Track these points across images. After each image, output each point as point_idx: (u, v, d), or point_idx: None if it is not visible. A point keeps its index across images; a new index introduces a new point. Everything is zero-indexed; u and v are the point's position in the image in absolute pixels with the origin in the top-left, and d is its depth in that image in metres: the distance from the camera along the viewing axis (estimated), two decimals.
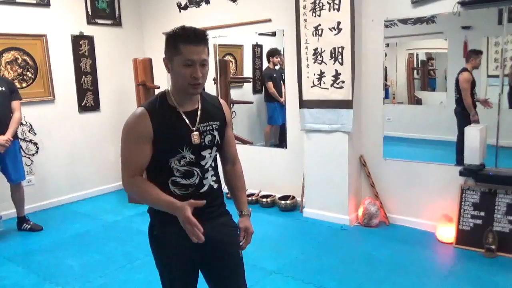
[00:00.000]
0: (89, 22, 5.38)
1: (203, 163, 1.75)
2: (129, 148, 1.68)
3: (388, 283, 3.09)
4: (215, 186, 1.81)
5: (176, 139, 1.68)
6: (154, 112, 1.66)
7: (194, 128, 1.71)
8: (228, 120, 1.86)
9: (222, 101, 1.89)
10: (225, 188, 1.90)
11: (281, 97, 5.16)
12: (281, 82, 5.08)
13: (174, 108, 1.70)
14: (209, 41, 1.68)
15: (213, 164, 1.80)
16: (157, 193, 1.66)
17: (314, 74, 4.13)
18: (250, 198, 4.78)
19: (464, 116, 3.88)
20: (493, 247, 3.41)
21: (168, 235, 1.74)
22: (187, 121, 1.71)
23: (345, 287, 3.06)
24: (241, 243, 1.85)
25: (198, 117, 1.73)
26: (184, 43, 1.60)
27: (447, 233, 3.70)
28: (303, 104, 4.26)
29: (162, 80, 5.54)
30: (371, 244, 3.79)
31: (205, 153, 1.75)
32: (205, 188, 1.76)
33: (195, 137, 1.70)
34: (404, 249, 3.63)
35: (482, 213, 3.60)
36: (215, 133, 1.77)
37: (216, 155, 1.83)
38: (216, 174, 1.83)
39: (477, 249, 3.50)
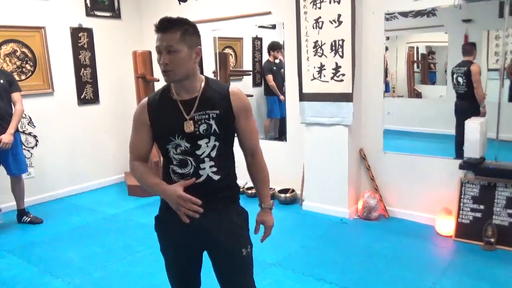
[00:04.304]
0: (88, 14, 5.36)
1: (198, 152, 1.72)
2: (132, 134, 1.83)
3: (388, 276, 3.10)
4: (216, 178, 1.74)
5: (168, 127, 1.73)
6: (153, 101, 1.79)
7: (187, 117, 1.71)
8: (236, 111, 1.76)
9: (233, 90, 1.78)
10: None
11: (281, 91, 5.14)
12: (281, 75, 5.06)
13: (171, 97, 1.75)
14: (186, 27, 1.67)
15: (212, 155, 1.73)
16: (153, 177, 1.77)
17: (314, 67, 4.12)
18: (249, 192, 4.78)
19: (471, 110, 3.82)
20: (492, 240, 3.42)
21: (169, 218, 1.78)
22: (182, 109, 1.72)
23: (345, 280, 3.07)
24: (261, 237, 1.93)
25: (194, 106, 1.72)
26: (156, 32, 1.68)
27: (446, 226, 3.71)
28: (303, 97, 4.26)
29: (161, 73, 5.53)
30: (370, 237, 3.80)
31: (201, 142, 1.71)
32: (201, 179, 1.73)
33: (188, 125, 1.70)
34: (403, 242, 3.64)
35: (482, 207, 3.60)
36: (212, 122, 1.71)
37: (217, 145, 1.73)
38: (219, 165, 1.75)
39: (476, 242, 3.52)
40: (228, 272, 1.86)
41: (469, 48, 3.85)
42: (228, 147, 1.80)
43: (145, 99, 1.82)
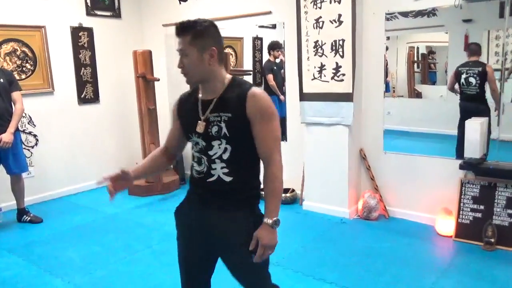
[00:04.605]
0: (88, 13, 5.35)
1: (210, 153, 1.74)
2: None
3: (388, 276, 3.10)
4: (227, 179, 1.74)
5: (187, 124, 1.82)
6: (183, 98, 1.90)
7: (202, 117, 1.74)
8: (250, 114, 1.68)
9: (252, 92, 1.70)
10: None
11: (281, 90, 5.13)
12: (281, 75, 5.06)
13: (197, 96, 1.81)
14: (196, 30, 1.68)
15: (224, 157, 1.73)
16: (142, 161, 2.01)
17: (315, 67, 4.12)
18: None
19: (482, 110, 3.76)
20: (492, 240, 3.42)
21: (185, 209, 1.89)
22: (199, 109, 1.77)
23: (345, 280, 3.06)
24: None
25: (210, 107, 1.73)
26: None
27: (446, 226, 3.71)
28: (304, 97, 4.26)
29: (162, 72, 5.54)
30: (370, 237, 3.80)
31: (214, 143, 1.73)
32: (213, 178, 1.75)
33: (200, 126, 1.74)
34: (403, 242, 3.64)
35: (482, 207, 3.60)
36: (222, 124, 1.70)
37: (229, 149, 1.72)
38: (231, 168, 1.74)
39: (476, 242, 3.52)
40: (237, 275, 1.85)
41: (476, 48, 3.78)
42: (243, 151, 1.75)
43: (180, 95, 1.93)
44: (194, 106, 1.79)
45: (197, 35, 1.68)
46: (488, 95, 3.80)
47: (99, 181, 1.90)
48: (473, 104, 3.92)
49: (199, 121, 1.74)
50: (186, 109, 1.84)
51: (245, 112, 1.69)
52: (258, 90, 1.73)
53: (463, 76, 3.88)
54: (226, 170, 1.74)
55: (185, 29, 1.68)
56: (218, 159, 1.73)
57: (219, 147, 1.72)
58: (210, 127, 1.72)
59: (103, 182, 1.84)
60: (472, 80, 3.84)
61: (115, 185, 1.84)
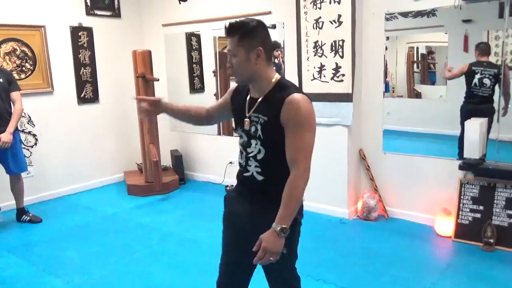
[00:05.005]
0: (88, 13, 5.35)
1: (249, 150, 1.81)
2: None
3: (387, 276, 3.10)
4: (259, 178, 1.80)
5: (236, 117, 1.92)
6: (237, 89, 1.96)
7: (247, 115, 1.82)
8: (283, 120, 1.68)
9: (290, 98, 1.68)
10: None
11: None
12: (281, 75, 5.06)
13: (248, 92, 1.87)
14: (243, 31, 1.72)
15: (258, 157, 1.78)
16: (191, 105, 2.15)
17: (314, 67, 4.12)
18: None
19: (492, 112, 3.66)
20: (491, 241, 3.43)
21: (228, 198, 1.99)
22: (246, 106, 1.84)
23: (344, 280, 3.06)
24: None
25: (254, 106, 1.80)
26: None
27: (446, 226, 3.72)
28: None
29: (161, 72, 5.53)
30: (370, 237, 3.80)
31: (253, 142, 1.79)
32: (248, 174, 1.84)
33: (246, 123, 1.82)
34: (403, 242, 3.64)
35: (481, 207, 3.61)
36: (259, 127, 1.76)
37: (262, 150, 1.76)
38: (264, 169, 1.78)
39: (475, 243, 3.52)
40: (264, 269, 1.89)
41: (486, 47, 3.69)
42: (276, 154, 1.74)
43: (235, 84, 1.98)
44: (243, 102, 1.86)
45: (245, 36, 1.72)
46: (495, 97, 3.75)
47: (134, 96, 2.05)
48: (483, 106, 3.80)
49: (245, 119, 1.82)
50: (237, 101, 1.92)
51: (279, 118, 1.69)
52: (297, 97, 1.69)
53: (477, 76, 3.76)
54: (259, 170, 1.81)
55: (233, 29, 1.73)
56: (253, 158, 1.81)
57: (255, 147, 1.79)
58: (251, 125, 1.80)
59: (140, 101, 2.04)
60: (486, 81, 3.74)
61: (149, 108, 2.01)
